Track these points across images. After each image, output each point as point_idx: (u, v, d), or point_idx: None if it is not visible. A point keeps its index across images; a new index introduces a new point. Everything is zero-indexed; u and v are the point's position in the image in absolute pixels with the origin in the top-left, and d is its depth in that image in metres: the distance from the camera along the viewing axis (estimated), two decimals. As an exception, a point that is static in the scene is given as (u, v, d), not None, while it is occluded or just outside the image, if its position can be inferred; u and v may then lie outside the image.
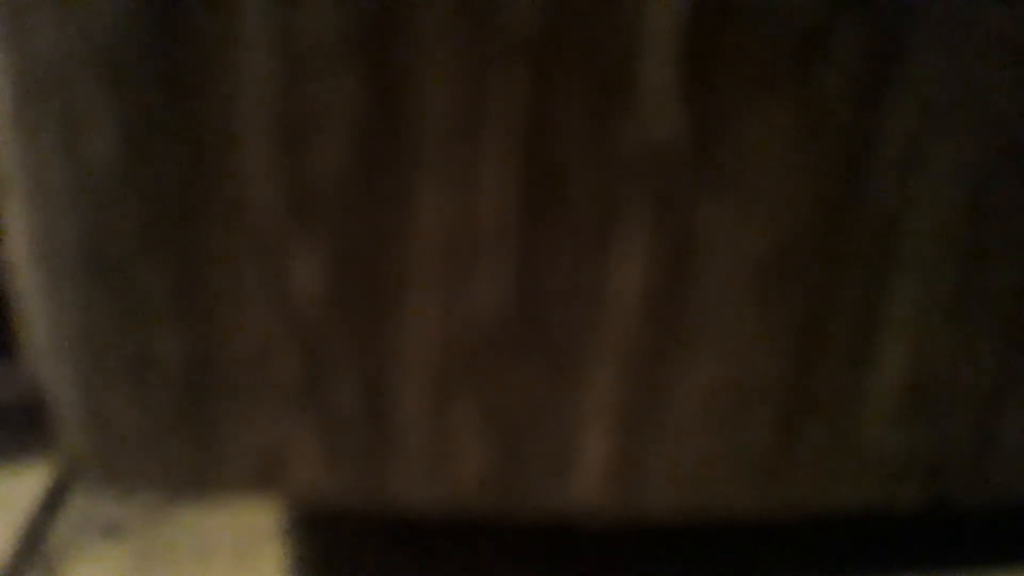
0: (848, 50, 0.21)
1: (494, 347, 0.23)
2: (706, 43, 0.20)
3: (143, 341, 0.23)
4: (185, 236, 0.21)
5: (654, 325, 0.23)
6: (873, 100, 0.21)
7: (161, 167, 0.21)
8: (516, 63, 0.20)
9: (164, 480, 0.24)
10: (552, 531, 0.30)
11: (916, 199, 0.22)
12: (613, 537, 0.31)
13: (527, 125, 0.21)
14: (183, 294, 0.22)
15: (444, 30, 0.20)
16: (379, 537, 0.31)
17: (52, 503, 0.32)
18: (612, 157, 0.21)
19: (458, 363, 0.23)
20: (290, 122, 0.20)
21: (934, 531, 0.32)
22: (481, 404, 0.24)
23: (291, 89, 0.20)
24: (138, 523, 0.31)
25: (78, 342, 0.23)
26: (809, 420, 0.25)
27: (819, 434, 0.25)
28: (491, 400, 0.24)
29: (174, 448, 0.24)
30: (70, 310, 0.22)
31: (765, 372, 0.24)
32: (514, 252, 0.22)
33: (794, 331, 0.23)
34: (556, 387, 0.23)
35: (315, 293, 0.22)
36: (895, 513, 0.27)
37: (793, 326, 0.23)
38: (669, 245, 0.22)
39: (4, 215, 0.22)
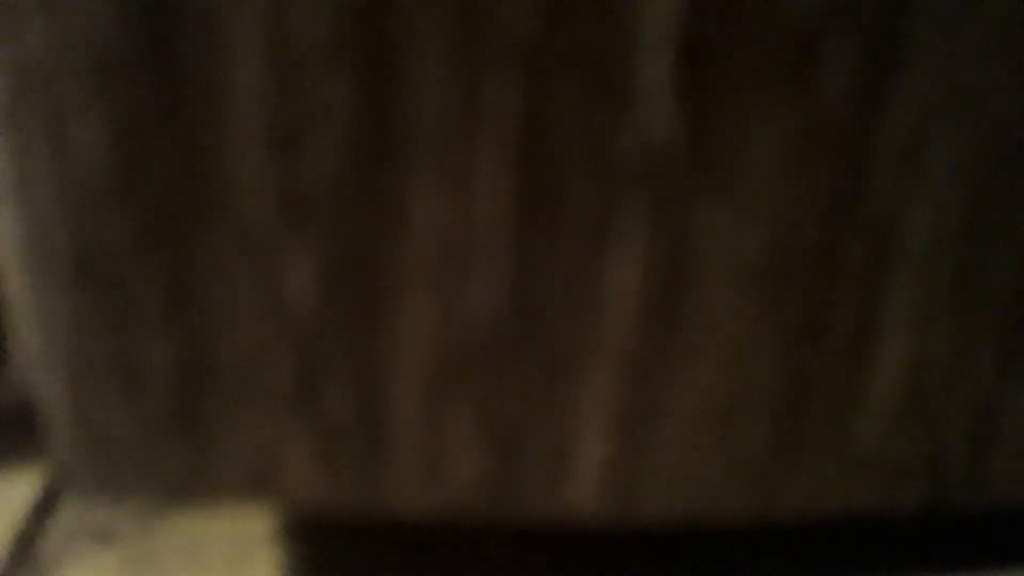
0: (846, 52, 0.20)
1: (489, 351, 0.23)
2: (703, 46, 0.20)
3: (134, 347, 0.22)
4: (176, 241, 0.21)
5: (651, 329, 0.23)
6: (871, 102, 0.21)
7: (152, 172, 0.21)
8: (511, 65, 0.20)
9: (155, 486, 0.24)
10: (548, 535, 0.30)
11: (914, 201, 0.22)
12: (610, 541, 0.31)
13: (522, 128, 0.21)
14: (174, 299, 0.22)
15: (438, 32, 0.20)
16: (373, 542, 0.31)
17: (44, 508, 0.32)
18: (608, 160, 0.21)
19: (453, 368, 0.23)
20: (282, 126, 0.20)
21: (934, 531, 0.32)
22: (476, 409, 0.23)
23: (283, 92, 0.20)
24: (130, 528, 0.31)
25: (68, 348, 0.23)
26: (807, 423, 0.24)
27: (817, 437, 0.25)
28: (486, 405, 0.23)
29: (166, 454, 0.24)
30: (60, 316, 0.22)
31: (762, 375, 0.24)
32: (509, 256, 0.22)
33: (792, 334, 0.23)
34: (552, 391, 0.23)
35: (308, 298, 0.22)
36: (894, 515, 0.26)
37: (791, 329, 0.23)
38: (666, 248, 0.22)
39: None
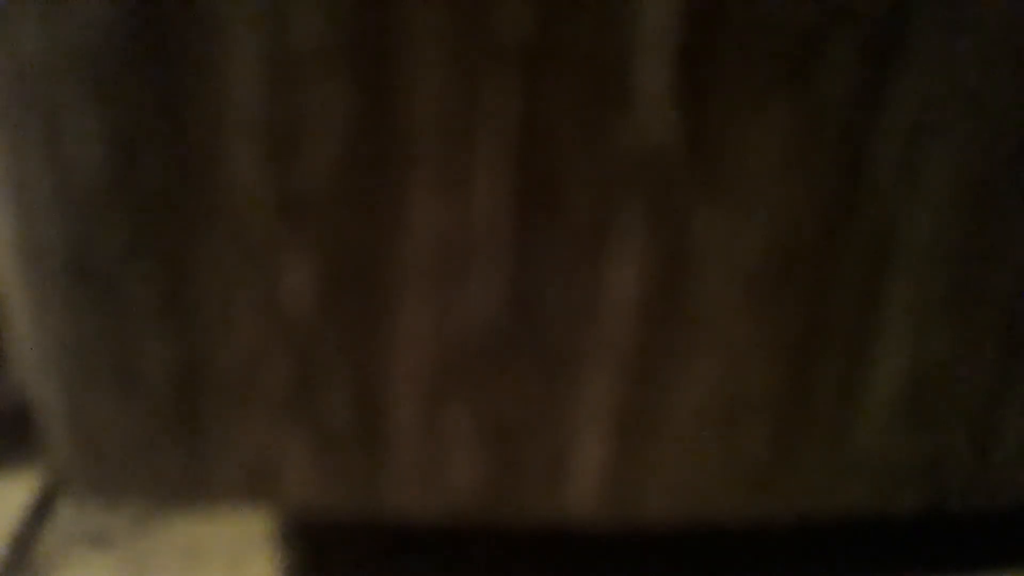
0: (845, 54, 0.20)
1: (487, 354, 0.23)
2: (702, 47, 0.20)
3: (130, 350, 0.22)
4: (173, 244, 0.21)
5: (649, 331, 0.23)
6: (870, 104, 0.21)
7: (148, 174, 0.21)
8: (509, 67, 0.20)
9: (152, 490, 0.24)
10: (547, 538, 0.30)
11: (913, 201, 0.22)
12: (609, 543, 0.31)
13: (520, 130, 0.20)
14: (171, 302, 0.22)
15: (436, 34, 0.19)
16: (371, 545, 0.31)
17: (40, 511, 0.32)
18: (607, 162, 0.21)
19: (451, 370, 0.23)
20: (279, 128, 0.20)
21: (934, 531, 0.32)
22: (474, 412, 0.23)
23: (280, 95, 0.20)
24: (126, 532, 0.31)
25: (64, 352, 0.22)
26: (806, 425, 0.24)
27: (816, 439, 0.25)
28: (485, 407, 0.23)
29: (162, 458, 0.24)
30: (56, 319, 0.22)
31: (761, 377, 0.24)
32: (508, 259, 0.22)
33: (790, 336, 0.23)
34: (550, 394, 0.23)
35: (306, 300, 0.22)
36: (894, 516, 0.26)
37: (789, 331, 0.23)
38: (664, 251, 0.22)
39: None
